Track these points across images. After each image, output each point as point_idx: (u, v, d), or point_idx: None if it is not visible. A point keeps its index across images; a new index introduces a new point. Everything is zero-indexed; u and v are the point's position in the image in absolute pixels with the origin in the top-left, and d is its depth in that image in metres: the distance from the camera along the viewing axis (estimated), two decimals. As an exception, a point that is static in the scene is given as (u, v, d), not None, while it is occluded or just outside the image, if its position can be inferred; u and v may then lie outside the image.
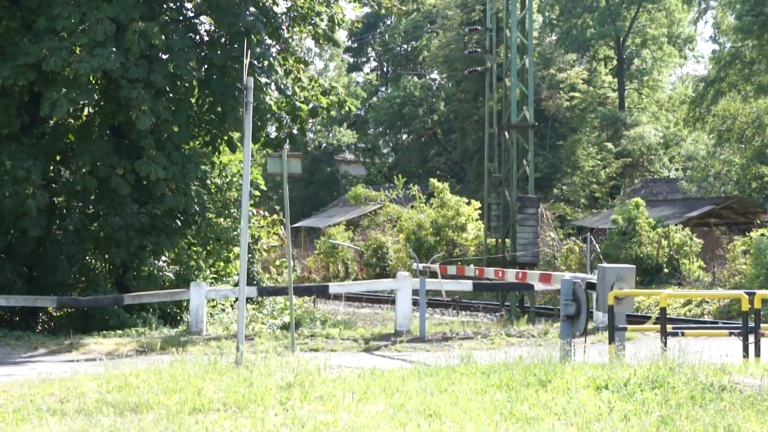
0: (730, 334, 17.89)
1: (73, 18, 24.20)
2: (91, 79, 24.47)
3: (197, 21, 28.77)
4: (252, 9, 26.54)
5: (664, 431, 10.03)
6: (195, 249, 28.84)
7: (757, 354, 16.07)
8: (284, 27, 28.49)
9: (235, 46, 26.55)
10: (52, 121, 25.41)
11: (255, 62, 26.26)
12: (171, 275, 27.34)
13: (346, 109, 31.03)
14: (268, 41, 27.78)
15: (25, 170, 24.09)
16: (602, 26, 75.49)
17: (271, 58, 27.53)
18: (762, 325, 16.97)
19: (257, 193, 31.49)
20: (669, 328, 17.30)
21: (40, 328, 26.36)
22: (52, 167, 26.88)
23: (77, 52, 24.18)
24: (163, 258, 27.40)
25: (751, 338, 16.33)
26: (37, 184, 24.39)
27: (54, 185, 26.72)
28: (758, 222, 43.56)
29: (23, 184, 24.11)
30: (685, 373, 12.68)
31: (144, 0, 25.43)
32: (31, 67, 24.15)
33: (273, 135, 28.99)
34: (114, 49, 23.91)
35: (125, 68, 24.26)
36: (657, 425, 10.27)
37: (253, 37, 25.92)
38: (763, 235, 37.36)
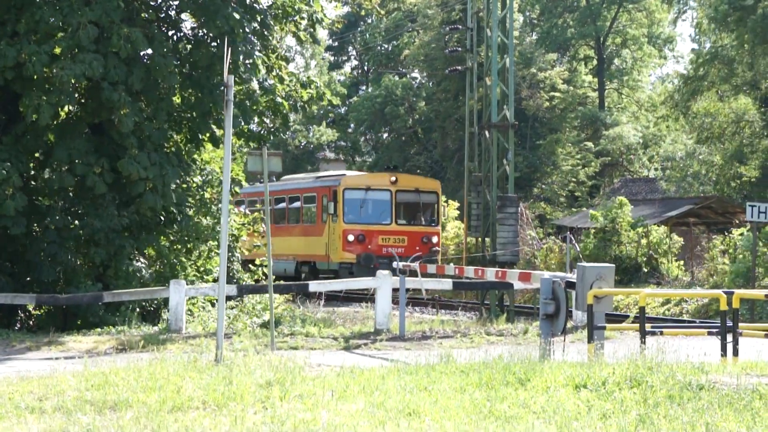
0: (709, 333, 17.98)
1: (55, 20, 24.11)
2: (73, 82, 24.36)
3: (179, 19, 28.75)
4: (237, 8, 26.54)
5: (643, 430, 10.06)
6: (175, 247, 28.77)
7: (735, 353, 16.15)
8: (267, 25, 28.46)
9: (217, 42, 26.53)
10: (31, 120, 25.27)
11: (238, 59, 26.27)
12: (151, 273, 27.29)
13: (326, 102, 31.10)
14: (252, 39, 27.77)
15: (5, 171, 23.94)
16: (582, 26, 75.63)
17: (255, 56, 27.58)
18: (740, 324, 17.06)
19: (237, 190, 31.44)
20: (648, 327, 17.38)
21: (19, 325, 26.27)
22: (32, 165, 26.74)
23: (57, 53, 24.09)
24: (143, 261, 27.36)
25: (729, 337, 16.42)
26: (16, 186, 24.25)
27: (34, 183, 26.62)
28: (737, 222, 43.73)
29: (2, 185, 23.96)
30: (664, 372, 12.74)
31: (125, 1, 25.32)
32: (10, 68, 24.06)
33: (255, 130, 28.98)
34: (96, 53, 23.88)
35: (106, 71, 24.21)
36: (635, 424, 10.31)
37: (237, 35, 25.94)
38: (742, 234, 37.53)
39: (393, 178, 41.92)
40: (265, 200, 21.29)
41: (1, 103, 25.97)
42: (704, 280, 39.18)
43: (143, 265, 27.19)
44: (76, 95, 25.52)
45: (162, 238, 28.10)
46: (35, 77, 24.24)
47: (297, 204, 47.12)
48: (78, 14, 24.05)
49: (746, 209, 31.31)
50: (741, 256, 36.08)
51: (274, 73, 29.39)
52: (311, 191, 44.84)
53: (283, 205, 48.52)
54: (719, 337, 16.63)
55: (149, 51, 26.00)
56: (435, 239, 41.99)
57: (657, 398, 11.53)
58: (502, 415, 10.95)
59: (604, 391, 12.05)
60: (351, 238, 40.86)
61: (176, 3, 28.20)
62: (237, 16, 26.08)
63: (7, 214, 24.09)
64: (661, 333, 17.89)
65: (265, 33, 28.22)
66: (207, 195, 29.57)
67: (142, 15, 26.79)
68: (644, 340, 16.50)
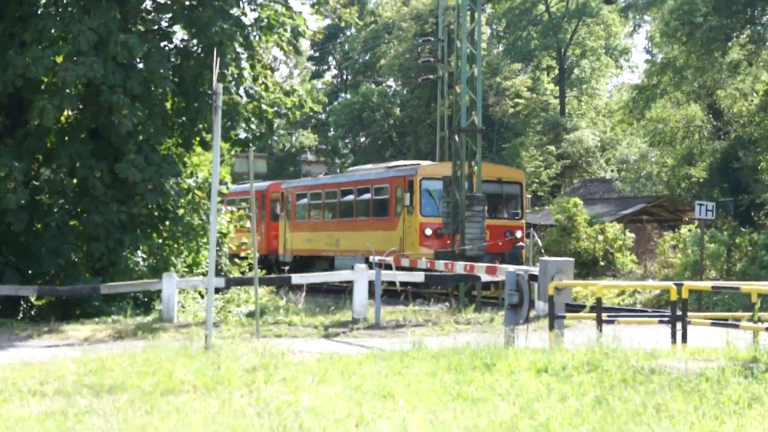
0: (660, 321, 18.05)
1: (56, 30, 24.23)
2: (74, 86, 24.40)
3: (171, 31, 28.79)
4: (226, 20, 26.69)
5: (599, 411, 10.11)
6: (168, 243, 28.74)
7: (684, 340, 16.23)
8: (253, 36, 28.57)
9: (206, 53, 26.61)
10: (35, 123, 25.28)
11: (225, 71, 26.35)
12: (145, 268, 27.29)
13: (307, 109, 31.21)
14: (239, 50, 27.84)
15: (7, 167, 24.03)
16: (545, 38, 75.83)
17: (240, 66, 27.74)
18: (689, 313, 17.14)
19: (225, 190, 31.39)
20: (604, 316, 17.45)
21: (21, 315, 26.21)
22: (34, 166, 26.72)
23: (59, 61, 24.12)
24: (139, 253, 27.35)
25: (679, 325, 16.50)
26: (18, 181, 24.34)
27: (35, 183, 26.58)
28: (686, 219, 43.97)
29: (5, 180, 24.04)
30: (618, 358, 12.79)
31: (121, 12, 25.44)
32: (18, 76, 24.10)
33: (242, 136, 29.03)
34: (95, 58, 23.93)
35: (105, 75, 24.25)
36: (592, 405, 10.35)
37: (226, 46, 26.04)
38: (690, 231, 37.74)
39: None
40: (251, 199, 21.25)
41: (7, 108, 25.97)
42: (656, 273, 39.37)
43: (140, 259, 27.22)
44: (77, 101, 25.62)
45: (155, 234, 28.11)
46: (42, 81, 24.29)
47: (366, 196, 39.90)
48: (78, 23, 24.13)
49: (695, 207, 31.46)
50: (690, 250, 36.27)
51: (259, 82, 29.44)
52: (383, 182, 37.71)
53: (350, 197, 41.43)
54: (669, 325, 16.72)
55: (144, 60, 26.12)
56: (519, 234, 35.25)
57: (612, 381, 11.57)
58: (469, 397, 10.98)
59: (563, 375, 12.09)
60: (429, 232, 34.35)
61: (169, 15, 28.28)
62: (226, 27, 26.20)
63: (9, 208, 24.19)
64: (617, 322, 17.96)
65: (252, 44, 28.33)
66: (199, 194, 29.51)
67: (138, 26, 26.82)
68: (601, 328, 16.58)
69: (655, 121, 51.92)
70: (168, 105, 27.82)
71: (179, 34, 28.97)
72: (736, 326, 16.58)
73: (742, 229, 38.93)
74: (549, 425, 9.53)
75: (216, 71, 18.11)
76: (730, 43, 41.91)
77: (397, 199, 36.10)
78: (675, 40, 41.84)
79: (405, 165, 39.75)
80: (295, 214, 46.30)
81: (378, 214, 38.49)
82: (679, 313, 16.63)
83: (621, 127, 59.37)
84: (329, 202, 43.97)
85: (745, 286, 18.66)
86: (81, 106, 26.27)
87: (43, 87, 24.70)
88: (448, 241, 32.11)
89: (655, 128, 52.79)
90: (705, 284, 19.35)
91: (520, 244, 34.67)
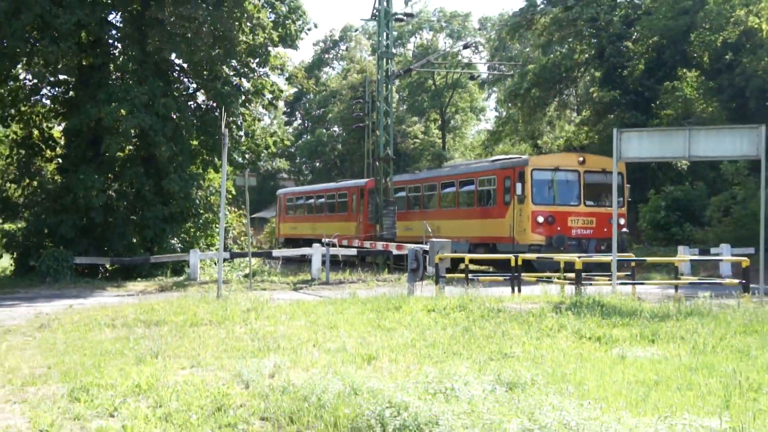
0: (505, 279, 18.32)
1: (120, 94, 24.25)
2: (132, 131, 24.52)
3: (195, 94, 28.88)
4: (231, 89, 26.92)
5: (466, 335, 10.25)
6: (193, 231, 28.60)
7: (519, 291, 16.49)
8: (247, 98, 28.74)
9: (218, 108, 26.72)
10: (105, 154, 25.07)
11: (230, 119, 26.52)
12: (178, 247, 27.15)
13: (283, 145, 31.69)
14: (239, 107, 27.93)
15: (92, 181, 24.07)
16: (433, 101, 76.13)
17: (239, 118, 28.01)
18: (522, 274, 17.41)
19: (229, 196, 31.22)
20: (470, 276, 17.66)
21: (99, 276, 25.97)
22: (108, 182, 26.62)
23: (123, 113, 24.13)
24: (175, 238, 27.26)
25: (516, 282, 16.76)
26: (98, 190, 24.41)
27: (109, 192, 26.44)
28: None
29: (91, 189, 24.11)
30: (479, 302, 12.97)
31: (163, 83, 25.52)
32: (93, 121, 24.14)
33: (240, 162, 29.15)
34: (145, 114, 24.05)
35: (152, 125, 24.33)
36: (462, 332, 10.50)
37: (230, 105, 26.20)
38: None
39: (581, 159, 25.80)
40: (245, 199, 21.13)
41: (88, 143, 25.89)
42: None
43: (175, 241, 27.15)
44: (134, 139, 25.69)
45: (186, 225, 28.06)
46: (111, 125, 24.23)
47: (470, 188, 29.00)
48: (135, 90, 24.18)
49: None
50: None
51: (252, 128, 29.65)
52: (489, 174, 27.66)
53: (451, 189, 30.55)
54: (510, 281, 16.97)
55: (178, 115, 26.22)
56: (622, 221, 25.25)
57: (475, 317, 11.74)
58: (385, 327, 11.08)
59: (444, 313, 12.23)
60: (540, 219, 24.92)
61: (194, 85, 28.40)
62: (231, 92, 26.48)
63: (93, 207, 24.34)
64: (478, 280, 18.18)
65: (247, 103, 28.59)
66: (212, 199, 29.35)
67: (173, 92, 26.73)
68: (468, 284, 16.78)
69: (501, 154, 52.43)
70: (193, 143, 27.89)
71: (201, 97, 29.00)
72: (551, 281, 16.88)
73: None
74: (435, 344, 9.65)
75: (224, 121, 18.27)
76: (547, 107, 42.59)
77: (505, 189, 26.40)
78: (512, 104, 42.43)
79: (511, 157, 28.94)
80: None
81: (483, 204, 28.08)
82: (516, 274, 16.89)
83: (480, 158, 59.84)
84: (429, 194, 32.69)
85: (557, 256, 19.01)
86: (138, 143, 26.23)
87: (109, 127, 24.62)
88: (558, 228, 24.85)
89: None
90: (533, 256, 19.61)
91: (624, 230, 25.16)
